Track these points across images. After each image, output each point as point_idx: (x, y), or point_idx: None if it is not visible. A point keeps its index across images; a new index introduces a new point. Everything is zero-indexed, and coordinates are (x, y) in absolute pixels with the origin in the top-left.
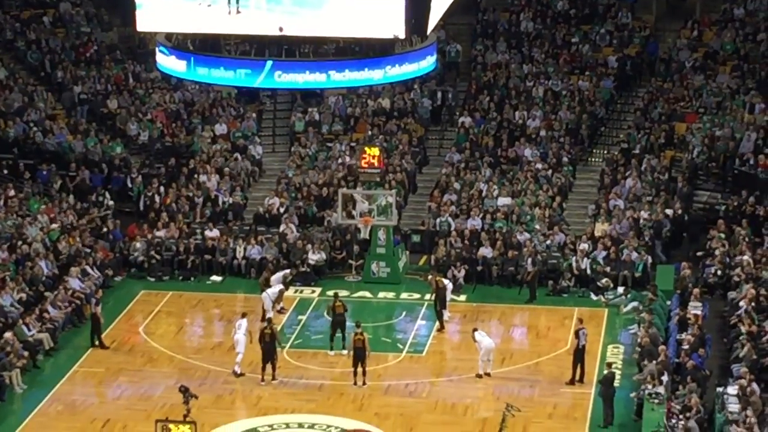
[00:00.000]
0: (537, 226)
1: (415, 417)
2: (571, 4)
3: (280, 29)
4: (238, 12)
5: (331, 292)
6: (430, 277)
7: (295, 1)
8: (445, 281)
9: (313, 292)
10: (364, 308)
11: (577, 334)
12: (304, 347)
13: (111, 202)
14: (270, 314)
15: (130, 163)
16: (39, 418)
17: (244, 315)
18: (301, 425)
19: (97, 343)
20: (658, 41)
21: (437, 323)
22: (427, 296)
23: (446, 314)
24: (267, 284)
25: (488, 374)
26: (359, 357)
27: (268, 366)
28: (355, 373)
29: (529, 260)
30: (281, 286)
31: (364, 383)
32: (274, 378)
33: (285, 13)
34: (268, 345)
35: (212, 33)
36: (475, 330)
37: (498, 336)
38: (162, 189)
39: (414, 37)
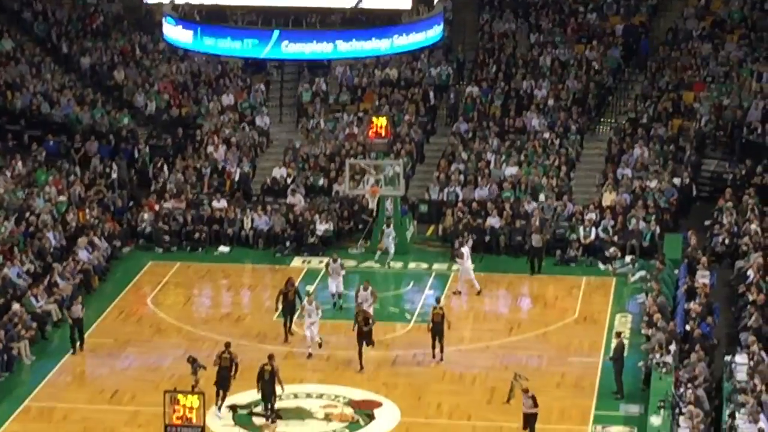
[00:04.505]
0: (542, 197)
1: (423, 387)
2: None
3: None
4: None
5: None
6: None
7: None
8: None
9: (321, 262)
10: (372, 278)
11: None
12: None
13: (115, 174)
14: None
15: (137, 135)
16: (47, 389)
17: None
18: (309, 395)
19: (78, 345)
20: (648, 39)
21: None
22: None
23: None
24: (285, 300)
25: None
26: (437, 332)
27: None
28: (434, 346)
29: (534, 237)
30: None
31: (441, 359)
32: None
33: None
34: (267, 384)
35: (218, 3)
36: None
37: (506, 306)
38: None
39: (421, 6)
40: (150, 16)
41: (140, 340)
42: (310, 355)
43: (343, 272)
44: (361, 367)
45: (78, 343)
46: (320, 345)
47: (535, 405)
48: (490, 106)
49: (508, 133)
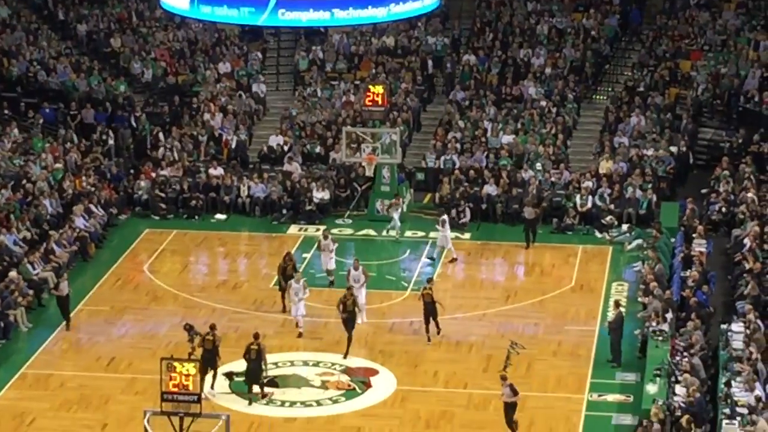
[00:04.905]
0: (538, 165)
1: (419, 355)
2: None
3: None
4: None
5: (336, 230)
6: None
7: None
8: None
9: (318, 230)
10: (369, 246)
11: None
12: (309, 285)
13: (112, 141)
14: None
15: (133, 102)
16: (44, 357)
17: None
18: (305, 363)
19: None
20: (645, 7)
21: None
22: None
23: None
24: (284, 275)
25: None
26: (430, 312)
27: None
28: (427, 330)
29: (526, 210)
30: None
31: (438, 332)
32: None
33: None
34: (254, 363)
35: None
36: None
37: (502, 274)
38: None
39: None
40: None
41: (137, 308)
42: (300, 335)
43: (335, 247)
44: (346, 354)
45: (68, 320)
46: (300, 335)
47: (515, 394)
48: (487, 74)
49: (505, 101)
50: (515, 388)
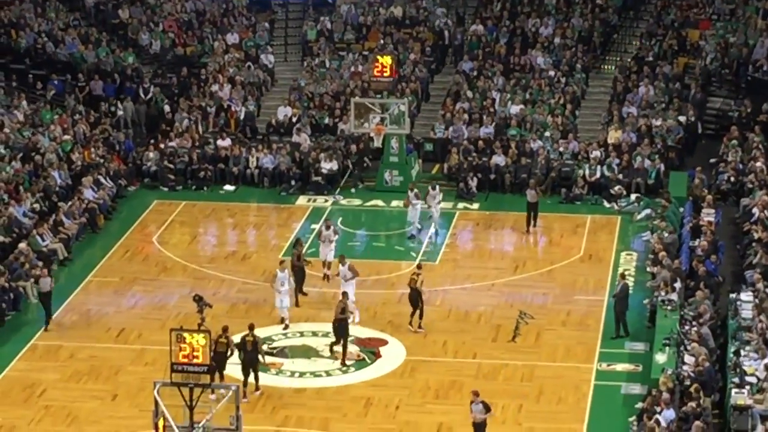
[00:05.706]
0: (547, 134)
1: (428, 325)
2: None
3: None
4: None
5: (345, 201)
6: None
7: None
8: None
9: (326, 201)
10: (378, 217)
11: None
12: (318, 256)
13: (121, 112)
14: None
15: (142, 73)
16: (54, 328)
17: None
18: (315, 333)
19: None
20: None
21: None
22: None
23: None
24: (299, 259)
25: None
26: (411, 300)
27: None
28: (412, 315)
29: (529, 192)
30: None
31: (420, 326)
32: (257, 389)
33: None
34: (249, 354)
35: None
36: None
37: (511, 244)
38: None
39: None
40: None
41: (146, 279)
42: (286, 326)
43: (336, 237)
44: (344, 362)
45: (48, 318)
46: (287, 326)
47: (487, 410)
48: (495, 44)
49: (514, 71)
50: (488, 405)
